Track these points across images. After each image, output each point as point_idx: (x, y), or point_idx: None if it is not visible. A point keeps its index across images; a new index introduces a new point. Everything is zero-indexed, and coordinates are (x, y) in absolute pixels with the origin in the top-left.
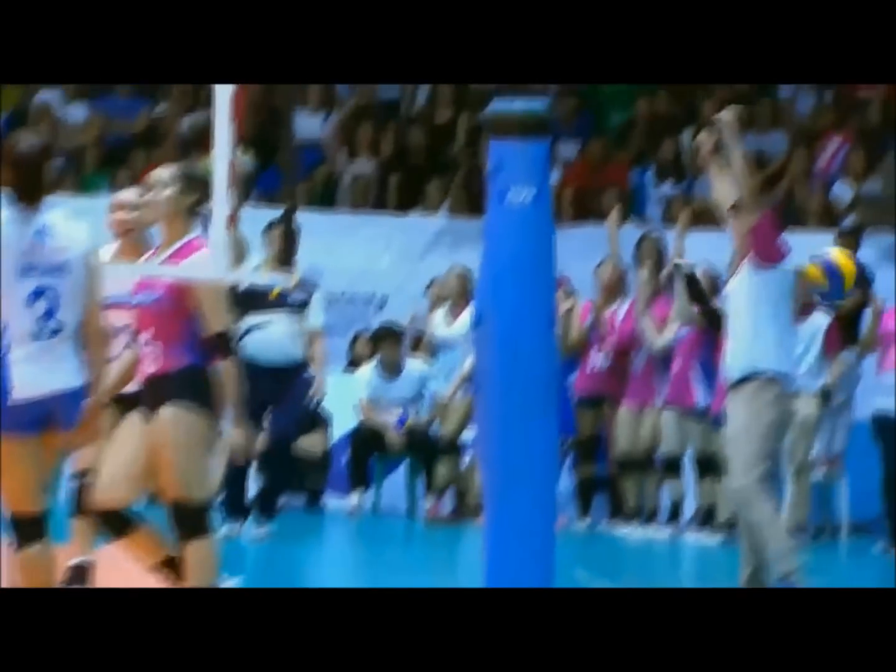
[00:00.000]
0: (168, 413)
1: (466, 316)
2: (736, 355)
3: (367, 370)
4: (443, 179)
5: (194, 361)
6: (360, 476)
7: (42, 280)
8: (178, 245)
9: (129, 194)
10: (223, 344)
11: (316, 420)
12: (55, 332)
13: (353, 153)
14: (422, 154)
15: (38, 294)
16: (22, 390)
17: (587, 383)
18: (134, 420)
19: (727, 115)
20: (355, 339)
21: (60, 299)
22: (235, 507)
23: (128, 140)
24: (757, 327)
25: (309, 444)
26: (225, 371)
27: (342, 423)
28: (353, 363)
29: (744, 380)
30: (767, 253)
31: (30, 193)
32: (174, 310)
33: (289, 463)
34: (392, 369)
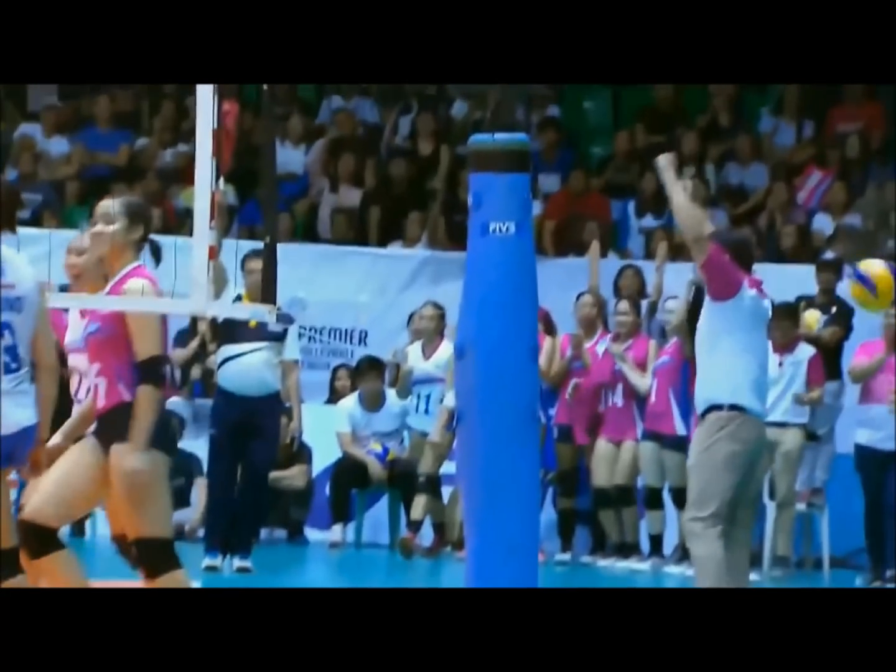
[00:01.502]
0: (118, 451)
1: (442, 351)
2: (698, 388)
3: (349, 403)
4: (424, 212)
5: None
6: (342, 509)
7: (4, 315)
8: (120, 275)
9: (80, 239)
10: (148, 370)
11: (297, 453)
12: (18, 368)
13: (333, 186)
14: (403, 186)
15: (2, 328)
16: (5, 425)
17: (566, 415)
18: (85, 447)
19: (661, 161)
20: (336, 372)
21: (17, 335)
22: (218, 540)
23: (109, 174)
24: (714, 360)
25: (290, 476)
26: (141, 396)
27: (323, 455)
28: (335, 396)
29: (705, 412)
30: (717, 288)
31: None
32: (114, 340)
33: (267, 495)
34: (373, 402)
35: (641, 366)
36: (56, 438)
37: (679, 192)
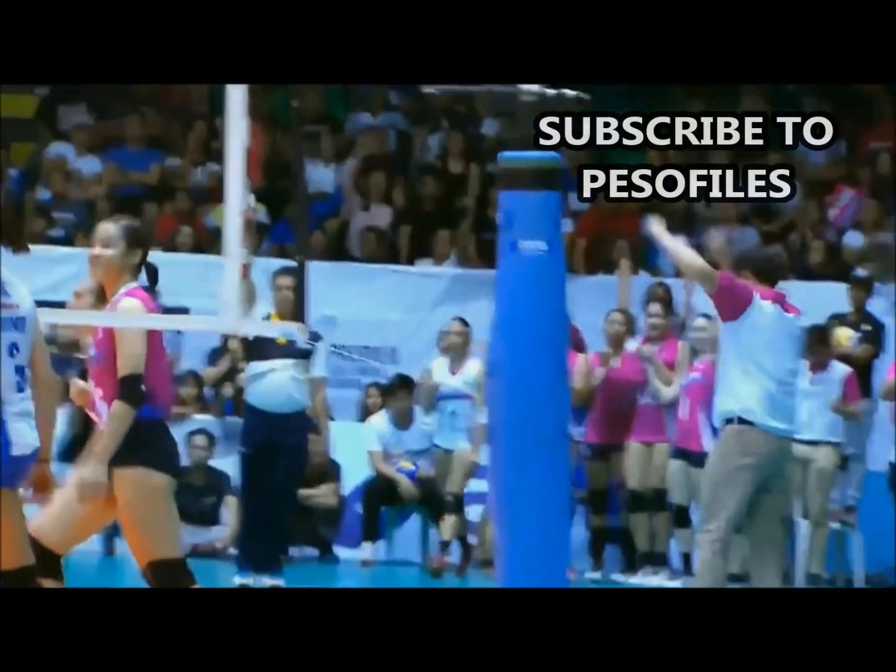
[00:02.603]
0: (121, 475)
1: (469, 367)
2: (715, 403)
3: (379, 421)
4: (454, 230)
5: (139, 418)
6: (373, 527)
7: (12, 335)
8: (116, 297)
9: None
10: (124, 387)
11: (326, 471)
12: (25, 388)
13: (364, 204)
14: (433, 205)
15: (11, 348)
16: (20, 445)
17: (597, 433)
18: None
19: (653, 227)
20: (367, 390)
21: (23, 354)
22: (249, 558)
23: (140, 193)
24: (727, 375)
25: (320, 494)
26: (112, 411)
27: (354, 473)
28: (365, 414)
29: (721, 427)
30: (723, 311)
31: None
32: (112, 366)
33: (296, 512)
34: (404, 420)
35: (671, 367)
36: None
37: (677, 246)
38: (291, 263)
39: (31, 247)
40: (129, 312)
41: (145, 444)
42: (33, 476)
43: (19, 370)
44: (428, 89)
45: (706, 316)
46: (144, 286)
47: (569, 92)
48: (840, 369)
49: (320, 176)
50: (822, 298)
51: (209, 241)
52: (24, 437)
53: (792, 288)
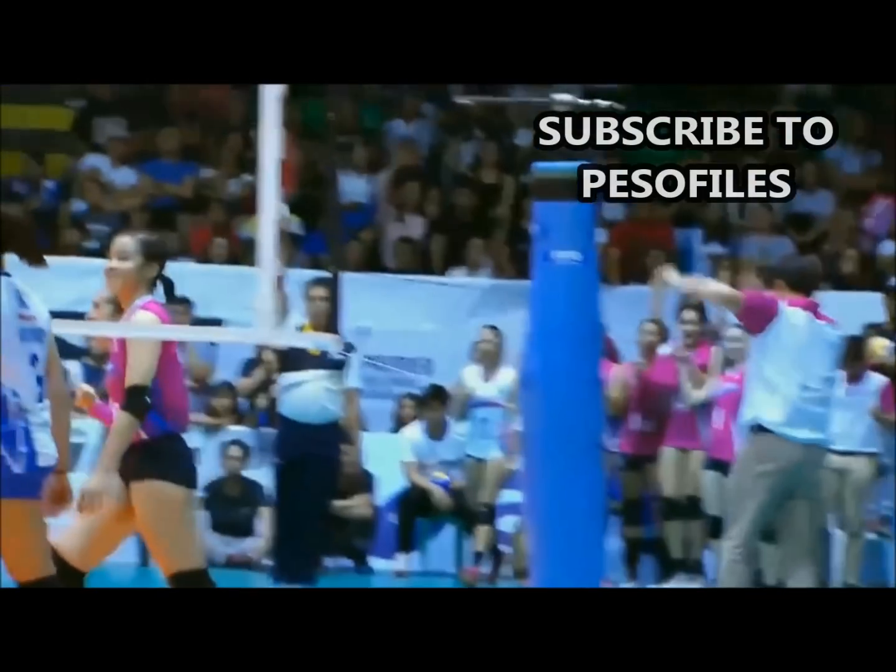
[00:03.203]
0: (137, 489)
1: (503, 375)
2: (743, 412)
3: (414, 432)
4: (488, 240)
5: (155, 432)
6: (407, 538)
7: (32, 345)
8: (131, 310)
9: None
10: (128, 398)
11: (360, 482)
12: (44, 398)
13: (398, 215)
14: (467, 215)
15: (32, 359)
16: (44, 456)
17: (631, 444)
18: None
19: (671, 279)
20: (401, 401)
21: (42, 365)
22: (283, 569)
23: (175, 204)
24: (753, 384)
25: (354, 505)
26: (115, 421)
27: (388, 484)
28: (400, 425)
29: (745, 434)
30: (748, 325)
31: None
32: (123, 376)
33: (330, 523)
34: (438, 431)
35: (704, 371)
36: None
37: (695, 284)
38: (325, 274)
39: (67, 259)
40: (144, 325)
41: (161, 458)
42: (51, 487)
43: (40, 380)
44: (462, 100)
45: (740, 326)
46: (160, 299)
47: (602, 102)
48: (876, 379)
49: (354, 187)
50: (856, 308)
51: (243, 253)
52: (47, 448)
53: (826, 298)
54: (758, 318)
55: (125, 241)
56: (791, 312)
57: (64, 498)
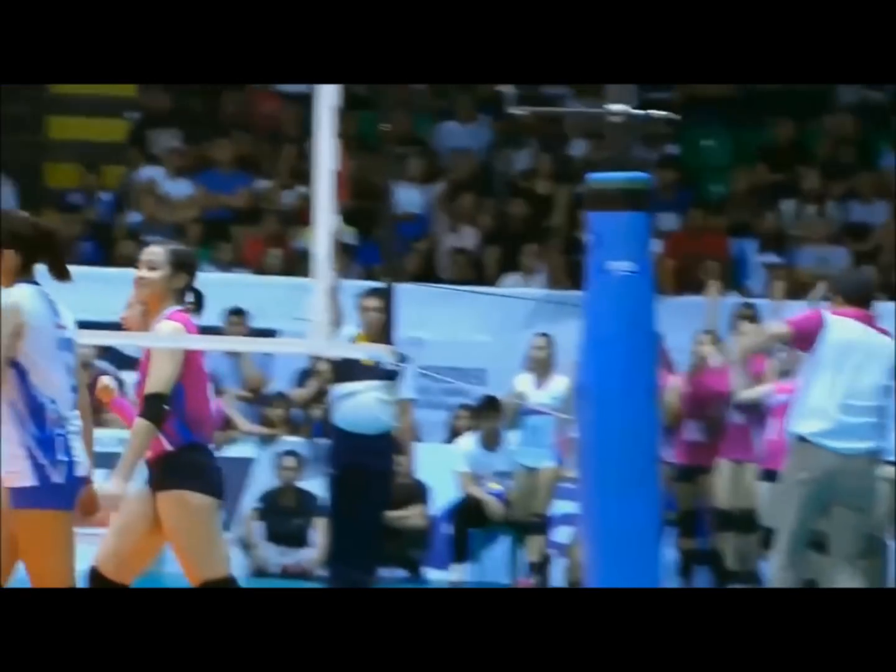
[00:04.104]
0: (163, 500)
1: (555, 383)
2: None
3: (468, 442)
4: (542, 251)
5: (179, 443)
6: (461, 548)
7: (65, 355)
8: (157, 320)
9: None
10: (146, 405)
11: (415, 492)
12: (77, 407)
13: (452, 225)
14: (521, 226)
15: (68, 368)
16: (82, 465)
17: (685, 454)
18: (139, 498)
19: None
20: (456, 411)
21: (74, 374)
22: (338, 580)
23: (229, 215)
24: (798, 393)
25: (408, 516)
26: (133, 429)
27: (443, 495)
28: (455, 435)
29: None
30: (801, 348)
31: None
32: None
33: (384, 534)
34: (492, 442)
35: (758, 379)
36: None
37: (745, 343)
38: (379, 285)
39: (122, 270)
40: (169, 335)
41: (185, 468)
42: (80, 497)
43: (74, 389)
44: (516, 111)
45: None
46: (188, 310)
47: (657, 112)
48: None
49: (408, 197)
50: None
51: (298, 264)
52: (82, 457)
53: (883, 308)
54: (806, 340)
55: (155, 251)
56: (839, 324)
57: (93, 508)
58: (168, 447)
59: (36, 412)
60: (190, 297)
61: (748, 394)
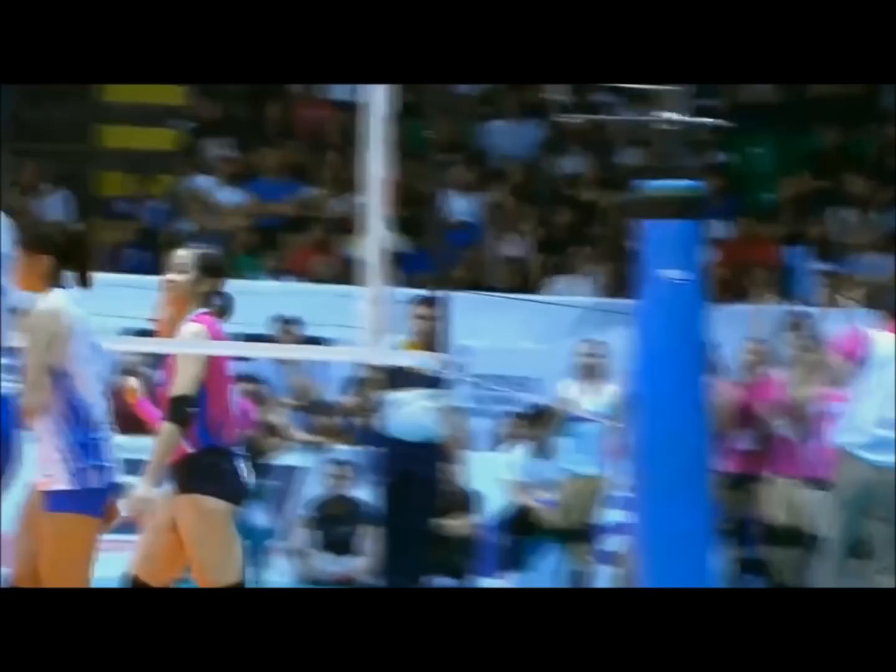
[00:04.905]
0: (179, 502)
1: (603, 390)
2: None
3: (517, 450)
4: (591, 257)
5: (199, 445)
6: (511, 557)
7: (97, 361)
8: (182, 323)
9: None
10: (171, 408)
11: (464, 500)
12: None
13: (501, 233)
14: (569, 234)
15: (99, 374)
16: (115, 471)
17: (735, 463)
18: (166, 502)
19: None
20: (504, 420)
21: (102, 379)
22: (391, 586)
23: (278, 223)
24: (847, 406)
25: (457, 524)
26: (160, 431)
27: (492, 503)
28: (503, 443)
29: None
30: (854, 366)
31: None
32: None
33: (432, 541)
34: (541, 449)
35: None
36: None
37: (803, 383)
38: (429, 293)
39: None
40: (191, 337)
41: (203, 472)
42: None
43: (104, 394)
44: (565, 118)
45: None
46: (214, 313)
47: (708, 120)
48: None
49: (457, 205)
50: None
51: (347, 271)
52: (116, 462)
53: None
54: (854, 360)
55: (183, 255)
56: (885, 340)
57: (114, 516)
58: (188, 449)
59: (76, 416)
60: (217, 301)
61: (804, 391)
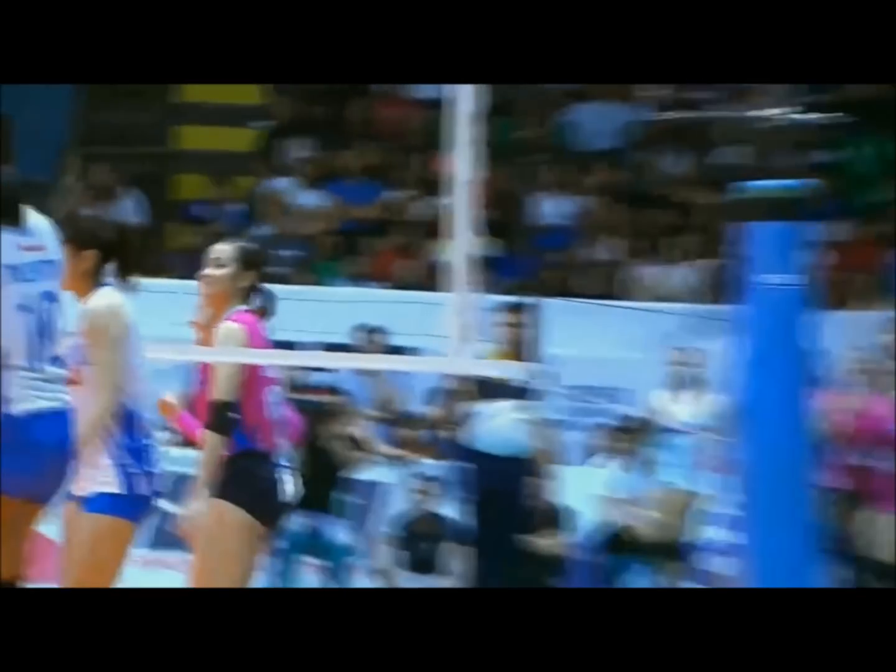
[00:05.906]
0: (195, 507)
1: (697, 400)
2: None
3: (610, 465)
4: (688, 263)
5: (235, 449)
6: (602, 575)
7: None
8: (222, 320)
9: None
10: (216, 414)
11: (553, 516)
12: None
13: (592, 237)
14: (664, 237)
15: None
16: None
17: (844, 479)
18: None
19: None
20: (596, 432)
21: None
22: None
23: (361, 227)
24: None
25: (546, 541)
26: (205, 442)
27: (583, 520)
28: (594, 457)
29: None
30: None
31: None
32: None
33: (521, 558)
34: (635, 463)
35: None
36: None
37: None
38: (517, 300)
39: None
40: (228, 336)
41: (233, 477)
42: None
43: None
44: (664, 116)
45: None
46: (256, 311)
47: (821, 115)
48: None
49: (548, 207)
50: None
51: (431, 277)
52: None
53: None
54: None
55: (222, 249)
56: None
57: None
58: (223, 452)
59: (129, 420)
60: (259, 300)
61: None
